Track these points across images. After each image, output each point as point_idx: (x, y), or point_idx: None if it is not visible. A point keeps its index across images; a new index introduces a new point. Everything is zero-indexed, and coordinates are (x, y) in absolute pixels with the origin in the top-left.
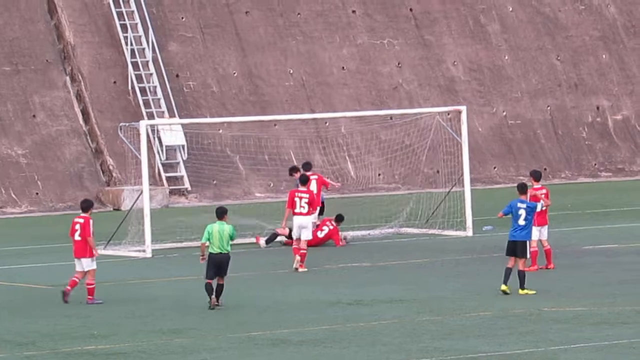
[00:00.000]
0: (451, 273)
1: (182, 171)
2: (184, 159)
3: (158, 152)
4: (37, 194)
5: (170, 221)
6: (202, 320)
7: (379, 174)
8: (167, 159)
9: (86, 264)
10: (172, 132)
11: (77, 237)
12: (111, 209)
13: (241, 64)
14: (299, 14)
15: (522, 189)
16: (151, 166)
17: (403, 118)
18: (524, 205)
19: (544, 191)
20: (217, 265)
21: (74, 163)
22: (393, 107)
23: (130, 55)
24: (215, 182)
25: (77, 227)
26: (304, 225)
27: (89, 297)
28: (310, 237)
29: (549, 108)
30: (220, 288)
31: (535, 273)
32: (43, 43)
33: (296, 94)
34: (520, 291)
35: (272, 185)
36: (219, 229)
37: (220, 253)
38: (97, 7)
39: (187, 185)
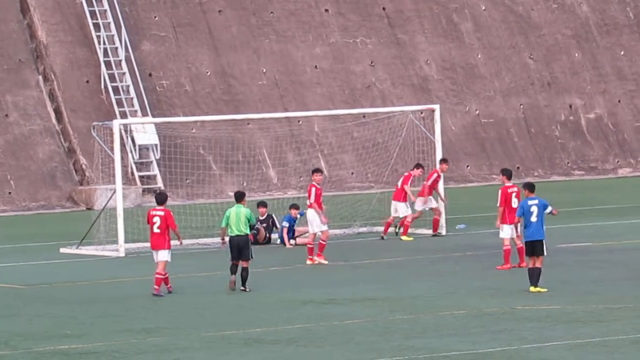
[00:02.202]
0: (424, 272)
1: (155, 170)
2: (157, 158)
3: (131, 151)
4: (9, 193)
5: (143, 220)
6: (175, 320)
7: (352, 172)
8: (140, 158)
9: (162, 255)
10: (145, 132)
11: (155, 230)
12: (84, 208)
13: (214, 63)
14: (272, 13)
15: (531, 187)
16: (124, 165)
17: (376, 117)
18: (535, 202)
19: (515, 189)
20: (237, 247)
21: (46, 162)
22: (366, 105)
23: (103, 54)
24: (188, 181)
25: (156, 219)
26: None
27: (156, 287)
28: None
29: (522, 107)
30: (244, 273)
31: (508, 271)
32: (15, 42)
33: (269, 93)
34: (532, 289)
35: (245, 184)
36: (236, 212)
37: (238, 235)
38: (69, 6)
39: (160, 184)
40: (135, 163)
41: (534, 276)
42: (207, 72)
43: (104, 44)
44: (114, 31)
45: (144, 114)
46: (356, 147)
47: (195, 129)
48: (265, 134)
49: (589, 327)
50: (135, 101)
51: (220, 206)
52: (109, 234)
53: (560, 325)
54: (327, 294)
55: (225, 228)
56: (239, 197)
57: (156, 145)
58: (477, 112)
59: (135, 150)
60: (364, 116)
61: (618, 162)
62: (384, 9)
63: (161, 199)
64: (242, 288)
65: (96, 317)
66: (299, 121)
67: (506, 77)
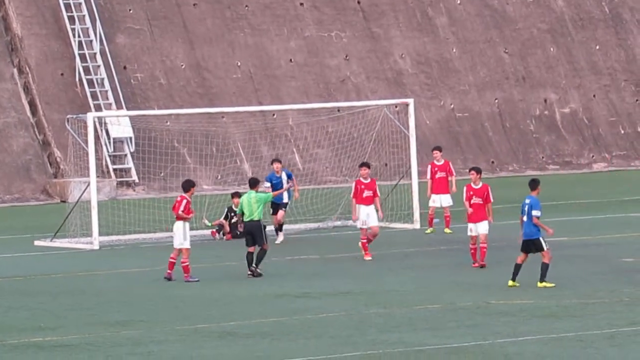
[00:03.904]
0: (399, 266)
1: (129, 163)
2: (132, 151)
3: (105, 145)
4: None
5: (117, 213)
6: (149, 313)
7: (326, 166)
8: (114, 151)
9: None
10: (120, 125)
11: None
12: (58, 201)
13: (189, 56)
14: (246, 6)
15: (532, 185)
16: (98, 158)
17: (351, 111)
18: (528, 201)
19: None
20: (250, 233)
21: (21, 155)
22: (341, 99)
23: (77, 47)
24: (162, 174)
25: (176, 205)
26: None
27: (185, 274)
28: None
29: (496, 101)
30: (261, 253)
31: (479, 268)
32: None
33: (244, 86)
34: (539, 284)
35: (219, 177)
36: (247, 198)
37: (251, 221)
38: None
39: (134, 177)
40: (110, 156)
41: (516, 272)
42: (182, 65)
43: (79, 36)
44: (88, 24)
45: (119, 107)
46: (331, 141)
47: (169, 122)
48: (240, 127)
49: (564, 322)
50: (109, 94)
51: (195, 199)
52: (83, 227)
53: (535, 320)
54: (301, 288)
55: (240, 215)
56: (253, 184)
57: (131, 138)
58: (452, 106)
59: (109, 143)
60: (338, 110)
61: (593, 156)
62: (358, 2)
63: (184, 185)
64: (253, 266)
65: (70, 310)
66: (273, 115)
67: (481, 71)
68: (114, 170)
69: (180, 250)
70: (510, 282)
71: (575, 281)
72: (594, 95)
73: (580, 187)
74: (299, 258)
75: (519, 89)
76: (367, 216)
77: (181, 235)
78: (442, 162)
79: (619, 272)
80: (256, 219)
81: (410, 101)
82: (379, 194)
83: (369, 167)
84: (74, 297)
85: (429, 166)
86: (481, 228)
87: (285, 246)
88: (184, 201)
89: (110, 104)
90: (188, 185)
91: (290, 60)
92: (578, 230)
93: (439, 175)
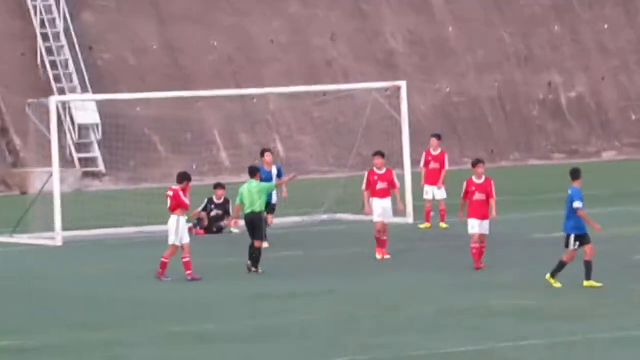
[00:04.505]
0: (391, 263)
1: (96, 152)
2: (98, 139)
3: (70, 132)
4: None
5: (82, 207)
6: (119, 314)
7: (311, 155)
8: (79, 138)
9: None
10: (85, 110)
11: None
12: (18, 193)
13: (161, 35)
14: None
15: (574, 175)
16: (62, 147)
17: (337, 95)
18: (570, 193)
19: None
20: (250, 225)
21: None
22: (327, 83)
23: (39, 26)
24: (132, 164)
25: (167, 199)
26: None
27: (188, 271)
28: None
29: (496, 84)
30: (256, 252)
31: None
32: None
33: (221, 68)
34: (585, 283)
35: (194, 167)
36: (248, 188)
37: (252, 212)
38: None
39: (101, 167)
40: (74, 144)
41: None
42: (153, 45)
43: (41, 14)
44: (51, 0)
45: (84, 91)
46: (316, 128)
47: (140, 107)
48: (217, 112)
49: (571, 324)
50: (74, 76)
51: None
52: (45, 221)
53: (539, 322)
54: (284, 287)
55: (240, 206)
56: (253, 171)
57: (97, 124)
58: (448, 90)
59: (74, 130)
60: (324, 94)
61: (602, 145)
62: None
63: (179, 177)
64: (253, 269)
65: (33, 312)
66: (253, 99)
67: (479, 52)
68: (79, 159)
69: (177, 247)
70: (585, 283)
71: (581, 280)
72: (603, 78)
73: (588, 178)
74: (282, 255)
75: (521, 71)
76: (384, 210)
77: (178, 230)
78: (438, 151)
79: (631, 270)
80: (257, 210)
81: (403, 84)
82: (397, 184)
83: (383, 156)
84: (36, 298)
85: (424, 154)
86: (484, 228)
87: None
88: (180, 192)
89: (75, 88)
90: (182, 179)
91: (272, 40)
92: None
93: (432, 165)
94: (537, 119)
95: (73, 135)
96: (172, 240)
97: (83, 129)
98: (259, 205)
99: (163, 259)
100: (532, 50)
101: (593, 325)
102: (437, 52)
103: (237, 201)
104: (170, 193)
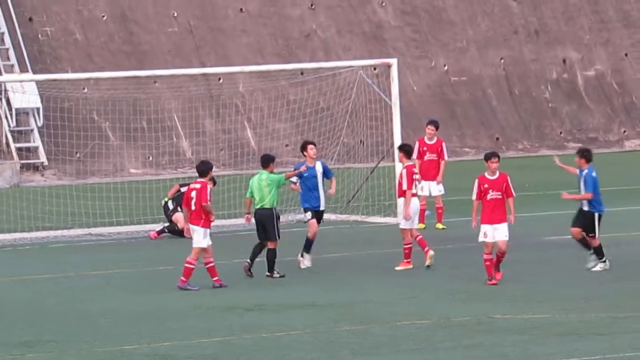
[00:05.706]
0: (378, 270)
1: (36, 141)
2: (39, 125)
3: (6, 117)
4: None
5: (21, 204)
6: (63, 330)
7: (287, 145)
8: (17, 125)
9: (195, 238)
10: (24, 92)
11: (192, 207)
12: None
13: (111, 5)
14: None
15: (582, 154)
16: None
17: (318, 74)
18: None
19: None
20: (260, 223)
21: None
22: (305, 60)
23: None
24: (78, 155)
25: (193, 194)
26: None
27: (182, 278)
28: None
29: (502, 61)
30: (269, 255)
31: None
32: None
33: (182, 43)
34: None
35: (151, 158)
36: (258, 180)
37: (262, 208)
38: None
39: (42, 159)
40: (11, 132)
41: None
42: (103, 16)
43: None
44: None
45: (23, 70)
46: (292, 112)
47: (87, 88)
48: (177, 94)
49: (587, 341)
50: (11, 53)
51: (120, 186)
52: None
53: (551, 339)
54: (254, 299)
55: (250, 199)
56: (265, 161)
57: (38, 109)
58: (446, 68)
59: (11, 115)
60: (302, 73)
61: (624, 132)
62: None
63: (202, 168)
64: (267, 274)
65: None
66: (219, 79)
67: (482, 23)
68: (17, 149)
69: (203, 249)
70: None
71: (603, 290)
72: (626, 54)
73: (609, 170)
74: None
75: (530, 46)
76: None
77: (202, 231)
78: (434, 140)
79: None
80: (267, 206)
81: (393, 61)
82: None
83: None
84: None
85: (417, 143)
86: (500, 233)
87: (234, 246)
88: (208, 187)
89: (12, 66)
90: (206, 168)
91: (241, 9)
92: (606, 225)
93: (428, 157)
94: (550, 101)
95: (9, 122)
96: (204, 243)
97: (21, 114)
98: (269, 201)
99: (187, 265)
100: (543, 21)
101: (614, 342)
102: (433, 23)
103: (247, 194)
104: (198, 186)
